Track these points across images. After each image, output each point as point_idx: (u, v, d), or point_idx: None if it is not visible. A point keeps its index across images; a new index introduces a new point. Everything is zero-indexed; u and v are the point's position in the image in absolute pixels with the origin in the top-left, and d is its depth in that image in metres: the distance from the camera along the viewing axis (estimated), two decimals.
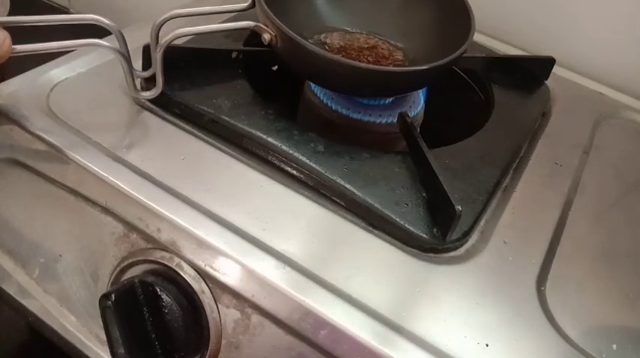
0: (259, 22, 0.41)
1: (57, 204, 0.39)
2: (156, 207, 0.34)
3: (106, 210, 0.36)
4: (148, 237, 0.35)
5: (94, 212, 0.37)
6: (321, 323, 0.31)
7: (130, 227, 0.36)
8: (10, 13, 0.48)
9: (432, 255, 0.36)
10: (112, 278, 0.37)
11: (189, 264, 0.34)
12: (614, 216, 0.42)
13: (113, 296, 0.32)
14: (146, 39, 0.41)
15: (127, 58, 0.39)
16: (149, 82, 0.42)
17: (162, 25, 0.40)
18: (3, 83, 0.41)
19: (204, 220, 0.34)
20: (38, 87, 0.42)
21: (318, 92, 0.47)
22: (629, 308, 0.36)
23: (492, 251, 0.37)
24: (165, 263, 0.34)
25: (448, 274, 0.35)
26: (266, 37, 0.40)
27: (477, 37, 0.53)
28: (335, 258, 0.34)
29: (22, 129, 0.39)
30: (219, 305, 0.34)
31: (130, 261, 0.36)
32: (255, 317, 0.33)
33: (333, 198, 0.38)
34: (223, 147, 0.40)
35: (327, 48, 0.48)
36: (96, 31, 0.41)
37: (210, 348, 0.34)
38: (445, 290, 0.34)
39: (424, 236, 0.36)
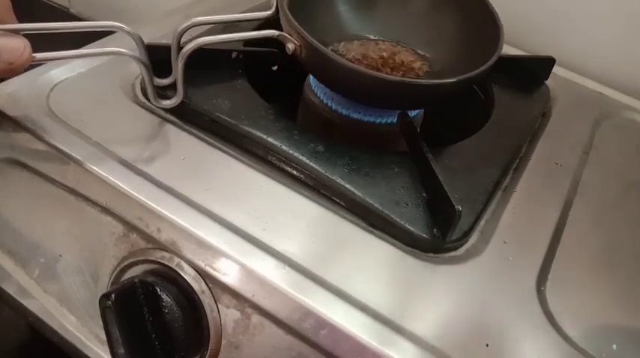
0: (283, 31, 0.41)
1: (57, 204, 0.39)
2: (156, 207, 0.34)
3: (106, 210, 0.36)
4: (148, 237, 0.35)
5: (94, 212, 0.37)
6: (321, 323, 0.31)
7: (130, 227, 0.36)
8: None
9: (431, 254, 0.36)
10: (112, 278, 0.37)
11: (189, 264, 0.34)
12: (614, 216, 0.42)
13: (113, 296, 0.32)
14: (146, 38, 0.41)
15: (148, 66, 0.39)
16: (162, 89, 0.41)
17: (184, 32, 0.40)
18: (3, 83, 0.41)
19: (205, 220, 0.34)
20: (38, 87, 0.42)
21: (318, 92, 0.47)
22: (629, 308, 0.36)
23: (492, 251, 0.37)
24: (166, 263, 0.34)
25: (448, 274, 0.35)
26: (290, 46, 0.40)
27: None
28: (335, 258, 0.34)
29: (22, 129, 0.39)
30: (219, 305, 0.34)
31: (130, 261, 0.36)
32: (255, 317, 0.33)
33: (333, 198, 0.38)
34: (223, 147, 0.40)
35: (350, 57, 0.48)
36: (96, 34, 0.41)
37: (210, 348, 0.34)
38: (445, 290, 0.34)
39: (424, 236, 0.36)
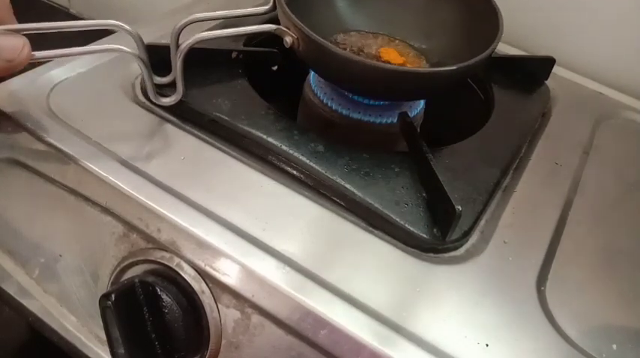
0: (280, 25, 0.41)
1: (57, 204, 0.39)
2: (156, 207, 0.34)
3: (106, 210, 0.36)
4: (148, 237, 0.35)
5: (94, 212, 0.37)
6: (321, 323, 0.31)
7: (130, 227, 0.36)
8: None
9: (432, 254, 0.36)
10: (112, 279, 0.37)
11: (189, 264, 0.34)
12: (615, 216, 0.42)
13: (113, 296, 0.32)
14: (146, 38, 0.41)
15: (148, 64, 0.39)
16: (162, 87, 0.41)
17: (182, 29, 0.40)
18: (3, 83, 0.41)
19: (204, 220, 0.34)
20: (38, 87, 0.42)
21: (318, 92, 0.47)
22: (629, 308, 0.36)
23: (492, 251, 0.37)
24: (166, 263, 0.34)
25: (448, 274, 0.35)
26: (288, 40, 0.40)
27: None
28: (335, 258, 0.34)
29: (22, 129, 0.39)
30: (219, 305, 0.34)
31: (130, 261, 0.36)
32: (255, 317, 0.33)
33: (333, 198, 0.38)
34: (223, 147, 0.40)
35: (349, 50, 0.48)
36: (96, 34, 0.41)
37: (210, 348, 0.34)
38: (445, 290, 0.34)
39: (424, 236, 0.36)
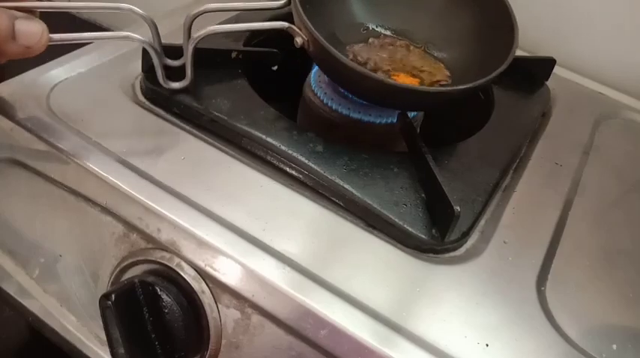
0: (294, 23, 0.41)
1: (57, 204, 0.39)
2: (156, 207, 0.34)
3: (106, 210, 0.36)
4: (148, 237, 0.35)
5: (94, 212, 0.37)
6: (321, 323, 0.31)
7: (130, 227, 0.36)
8: None
9: (431, 255, 0.36)
10: (112, 279, 0.37)
11: (189, 264, 0.34)
12: (615, 216, 0.42)
13: (113, 296, 0.32)
14: (146, 35, 0.41)
15: (159, 51, 0.39)
16: (170, 75, 0.42)
17: (195, 18, 0.40)
18: (3, 83, 0.41)
19: (204, 220, 0.34)
20: (38, 87, 0.42)
21: (318, 92, 0.47)
22: (629, 308, 0.36)
23: (492, 251, 0.37)
24: (166, 263, 0.34)
25: (448, 274, 0.35)
26: (298, 40, 0.40)
27: None
28: (334, 258, 0.34)
29: (23, 128, 0.39)
30: (220, 305, 0.34)
31: (130, 261, 0.36)
32: (256, 317, 0.33)
33: (332, 198, 0.38)
34: (223, 147, 0.40)
35: (361, 58, 0.48)
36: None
37: (210, 348, 0.34)
38: (445, 290, 0.34)
39: (423, 236, 0.36)
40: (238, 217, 0.35)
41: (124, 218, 0.36)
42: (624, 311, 0.36)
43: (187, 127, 0.41)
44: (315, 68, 0.48)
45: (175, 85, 0.41)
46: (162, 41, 0.40)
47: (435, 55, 0.50)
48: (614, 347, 0.33)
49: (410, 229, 0.36)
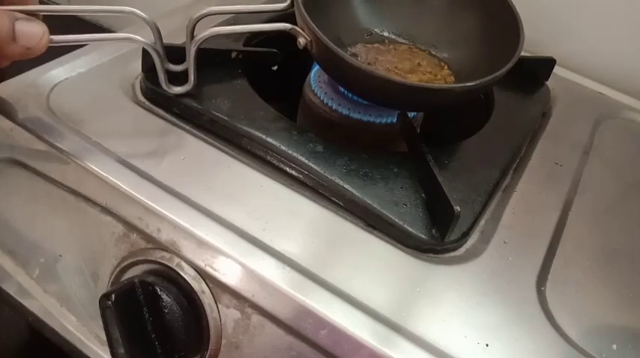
0: (297, 24, 0.40)
1: (57, 204, 0.39)
2: (156, 207, 0.34)
3: (106, 210, 0.36)
4: (148, 237, 0.35)
5: (94, 212, 0.37)
6: (322, 323, 0.31)
7: (130, 227, 0.36)
8: None
9: (431, 255, 0.36)
10: (112, 279, 0.37)
11: (189, 264, 0.34)
12: (615, 216, 0.42)
13: (113, 296, 0.32)
14: (147, 36, 0.41)
15: (161, 54, 0.39)
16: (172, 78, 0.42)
17: (198, 21, 0.40)
18: (3, 83, 0.41)
19: (205, 220, 0.34)
20: (38, 87, 0.42)
21: (318, 92, 0.47)
22: (629, 308, 0.36)
23: (492, 251, 0.37)
24: (166, 263, 0.34)
25: (448, 274, 0.35)
26: (301, 41, 0.40)
27: None
28: (334, 258, 0.34)
29: (22, 128, 0.39)
30: (220, 305, 0.34)
31: (130, 261, 0.36)
32: (256, 317, 0.33)
33: (332, 198, 0.38)
34: (223, 147, 0.40)
35: (365, 57, 0.48)
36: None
37: (210, 348, 0.34)
38: (445, 290, 0.34)
39: (423, 236, 0.36)
40: (238, 217, 0.35)
41: (124, 218, 0.36)
42: (624, 311, 0.36)
43: (187, 127, 0.41)
44: (316, 68, 0.48)
45: (178, 89, 0.41)
46: (164, 41, 0.40)
47: (440, 57, 0.50)
48: (614, 347, 0.33)
49: (410, 229, 0.36)
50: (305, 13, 0.39)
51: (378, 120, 0.46)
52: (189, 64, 0.40)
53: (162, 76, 0.40)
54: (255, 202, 0.36)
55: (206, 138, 0.41)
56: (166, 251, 0.34)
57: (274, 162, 0.39)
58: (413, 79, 0.46)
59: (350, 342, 0.30)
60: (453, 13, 0.49)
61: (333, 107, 0.46)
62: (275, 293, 0.32)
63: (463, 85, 0.40)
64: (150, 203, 0.34)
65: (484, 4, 0.47)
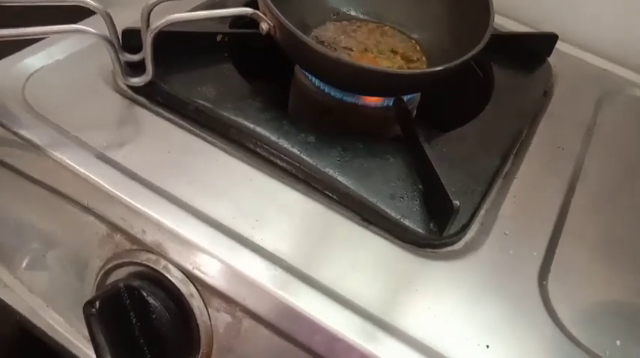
0: (259, 9, 0.38)
1: (38, 203, 0.38)
2: (140, 207, 0.33)
3: (88, 210, 0.35)
4: (132, 238, 0.34)
5: (76, 211, 0.35)
6: (315, 327, 0.29)
7: (114, 227, 0.34)
8: None
9: (429, 250, 0.34)
10: (97, 280, 0.35)
11: (176, 267, 0.32)
12: (618, 203, 0.41)
13: (97, 303, 0.30)
14: (128, 22, 0.38)
15: (115, 44, 0.37)
16: (135, 69, 0.39)
17: (152, 8, 0.38)
18: None
19: (191, 220, 0.32)
20: (12, 77, 0.40)
21: (310, 75, 0.45)
22: (632, 302, 0.35)
23: (492, 243, 0.35)
24: (152, 265, 0.33)
25: (447, 270, 0.33)
26: (264, 26, 0.38)
27: None
28: (328, 256, 0.33)
29: None
30: (210, 309, 0.32)
31: (115, 262, 0.34)
32: (247, 321, 0.32)
33: (326, 191, 0.36)
34: (210, 139, 0.38)
35: (333, 41, 0.46)
36: (77, 10, 0.39)
37: (201, 352, 0.33)
38: (444, 288, 0.32)
39: (420, 231, 0.34)
40: (227, 215, 0.33)
41: (107, 218, 0.34)
42: (628, 306, 0.35)
43: (172, 117, 0.39)
44: None
45: (136, 80, 0.39)
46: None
47: (411, 36, 0.48)
48: (618, 343, 0.32)
49: (407, 223, 0.34)
50: None
51: (372, 104, 0.44)
52: (147, 53, 0.37)
53: (117, 68, 0.38)
54: (244, 198, 0.35)
55: (192, 128, 0.39)
56: (152, 253, 0.33)
57: (264, 154, 0.37)
58: (385, 61, 0.44)
59: (344, 346, 0.29)
60: None
61: (326, 90, 0.44)
62: (266, 297, 0.30)
63: (431, 69, 0.38)
64: (133, 203, 0.33)
65: None
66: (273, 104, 0.40)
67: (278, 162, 0.37)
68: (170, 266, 0.32)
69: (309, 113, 0.46)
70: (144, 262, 0.33)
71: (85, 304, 0.31)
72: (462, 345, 0.30)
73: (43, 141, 0.36)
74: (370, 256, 0.33)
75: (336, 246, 0.33)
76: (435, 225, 0.34)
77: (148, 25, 0.37)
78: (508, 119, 0.43)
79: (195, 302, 0.32)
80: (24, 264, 0.40)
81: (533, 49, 0.50)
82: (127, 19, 0.40)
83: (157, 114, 0.39)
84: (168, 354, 0.33)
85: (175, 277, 0.32)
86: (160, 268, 0.32)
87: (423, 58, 0.46)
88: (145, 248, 0.33)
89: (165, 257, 0.33)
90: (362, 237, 0.34)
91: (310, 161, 0.36)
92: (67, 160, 0.35)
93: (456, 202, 0.32)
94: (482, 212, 0.37)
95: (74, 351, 0.40)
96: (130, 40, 0.38)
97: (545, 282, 0.34)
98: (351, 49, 0.46)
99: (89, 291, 0.36)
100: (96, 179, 0.34)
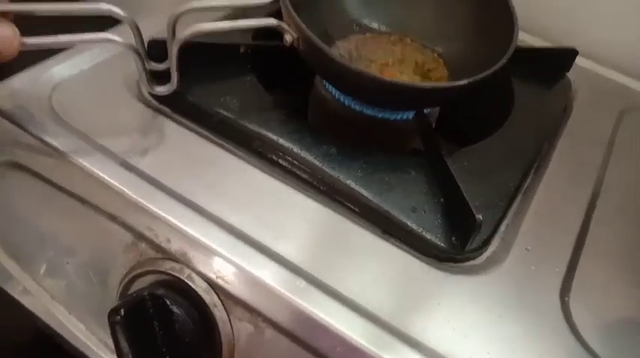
0: (283, 20, 0.39)
1: (62, 210, 0.38)
2: (166, 217, 0.33)
3: (114, 218, 0.35)
4: (157, 247, 0.34)
5: (102, 220, 0.36)
6: (338, 340, 0.30)
7: (139, 236, 0.35)
8: None
9: (450, 264, 0.34)
10: (120, 288, 0.36)
11: (200, 276, 0.33)
12: (639, 219, 0.41)
13: (122, 310, 0.31)
14: (152, 31, 0.39)
15: (142, 54, 0.37)
16: (160, 78, 0.40)
17: (178, 17, 0.38)
18: (3, 82, 0.40)
19: (216, 230, 0.33)
20: (40, 86, 0.40)
21: (329, 87, 0.45)
22: None
23: (514, 259, 0.35)
24: (176, 274, 0.33)
25: (468, 285, 0.33)
26: (288, 38, 0.38)
27: None
28: (350, 269, 0.33)
29: (24, 131, 0.37)
30: (232, 319, 0.33)
31: (139, 271, 0.34)
32: (270, 332, 0.32)
33: (347, 204, 0.36)
34: (234, 150, 0.38)
35: (355, 54, 0.46)
36: (103, 19, 0.39)
37: None
38: (465, 302, 0.32)
39: (442, 245, 0.34)
40: (250, 226, 0.33)
41: (133, 227, 0.34)
42: None
43: (196, 128, 0.39)
44: None
45: (161, 89, 0.39)
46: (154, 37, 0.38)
47: (433, 49, 0.48)
48: None
49: (428, 237, 0.34)
50: (290, 7, 0.37)
51: (392, 117, 0.44)
52: (172, 62, 0.37)
53: (143, 77, 0.38)
54: (267, 208, 0.35)
55: (215, 139, 0.39)
56: (176, 262, 0.33)
57: (287, 165, 0.38)
58: (408, 76, 0.45)
59: None
60: (446, 7, 0.48)
61: (346, 103, 0.44)
62: (289, 307, 0.31)
63: (455, 83, 0.38)
64: (159, 212, 0.33)
65: None
66: (294, 116, 0.40)
67: (300, 173, 0.37)
68: (194, 275, 0.33)
69: (329, 125, 0.46)
70: (168, 271, 0.33)
71: (110, 311, 0.31)
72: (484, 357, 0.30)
73: (68, 148, 0.36)
74: (391, 269, 0.33)
75: (358, 258, 0.33)
76: (456, 239, 0.34)
77: (173, 35, 0.38)
78: (528, 134, 0.44)
79: (218, 312, 0.32)
80: (47, 271, 0.40)
81: (552, 64, 0.50)
82: (149, 27, 0.40)
83: (181, 124, 0.40)
84: None
85: (199, 286, 0.33)
86: (184, 277, 0.33)
87: (445, 71, 0.46)
88: (170, 257, 0.33)
89: (189, 266, 0.33)
90: (383, 250, 0.34)
91: (332, 173, 0.36)
92: (93, 168, 0.35)
93: (479, 216, 0.32)
94: (503, 227, 0.37)
95: None
96: (156, 49, 0.38)
97: (567, 298, 0.34)
98: (373, 61, 0.46)
99: (112, 299, 0.36)
100: (121, 187, 0.34)
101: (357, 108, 0.44)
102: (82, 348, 0.40)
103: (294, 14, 0.37)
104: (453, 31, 0.47)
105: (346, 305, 0.31)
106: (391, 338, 0.30)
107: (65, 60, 0.42)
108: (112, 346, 0.33)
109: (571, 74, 0.51)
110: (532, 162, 0.42)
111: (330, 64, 0.37)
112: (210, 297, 0.32)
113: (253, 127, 0.38)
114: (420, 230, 0.35)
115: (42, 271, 0.41)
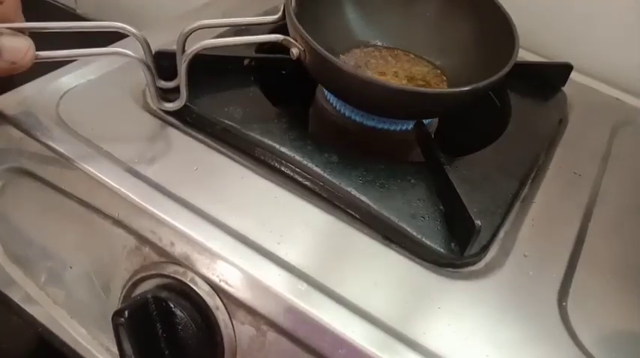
0: (289, 35, 0.40)
1: (67, 215, 0.39)
2: (169, 220, 0.34)
3: (118, 223, 0.36)
4: (160, 251, 0.34)
5: (106, 224, 0.36)
6: (340, 342, 0.30)
7: (143, 240, 0.35)
8: None
9: (450, 269, 0.35)
10: (124, 292, 0.36)
11: (203, 279, 0.33)
12: (636, 227, 0.41)
13: (126, 313, 0.31)
14: (156, 43, 0.40)
15: (152, 69, 0.38)
16: (168, 92, 0.41)
17: (188, 35, 0.39)
18: (12, 91, 0.41)
19: (219, 233, 0.33)
20: (48, 95, 0.41)
21: (330, 98, 0.46)
22: None
23: (512, 265, 0.36)
24: (179, 277, 0.33)
25: (467, 290, 0.34)
26: (294, 51, 0.39)
27: None
28: (351, 273, 0.33)
29: (32, 138, 0.38)
30: (234, 322, 0.33)
31: (143, 274, 0.35)
32: (271, 335, 0.32)
33: (348, 210, 0.37)
34: (236, 157, 0.39)
35: (359, 67, 0.47)
36: (106, 39, 0.41)
37: None
38: (464, 306, 0.33)
39: (441, 250, 0.35)
40: (253, 230, 0.34)
41: (136, 231, 0.35)
42: None
43: (200, 136, 0.40)
44: None
45: (169, 105, 0.40)
46: (171, 47, 0.39)
47: (435, 64, 0.49)
48: None
49: (428, 243, 0.35)
50: (296, 21, 0.38)
51: (392, 128, 0.45)
52: (181, 79, 0.39)
53: (152, 92, 0.39)
54: (269, 214, 0.35)
55: (219, 147, 0.40)
56: (180, 265, 0.34)
57: (289, 172, 0.38)
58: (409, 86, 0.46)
59: None
60: (447, 21, 0.49)
61: (346, 114, 0.45)
62: (291, 311, 0.31)
63: (458, 89, 0.39)
64: (163, 216, 0.34)
65: (476, 13, 0.47)
66: (296, 125, 0.41)
67: (302, 180, 0.38)
68: (197, 278, 0.33)
69: (330, 135, 0.47)
70: (171, 274, 0.34)
71: (113, 313, 0.31)
72: None
73: (74, 154, 0.37)
74: (392, 274, 0.34)
75: (358, 263, 0.34)
76: (456, 245, 0.35)
77: (183, 51, 0.39)
78: (525, 145, 0.44)
79: (221, 315, 0.33)
80: (50, 276, 0.41)
81: (548, 79, 0.52)
82: (153, 42, 0.41)
83: (186, 133, 0.41)
84: None
85: (202, 289, 0.33)
86: (187, 280, 0.33)
87: (445, 85, 0.47)
88: (173, 260, 0.34)
89: (192, 269, 0.33)
90: (384, 255, 0.35)
91: (333, 180, 0.37)
92: (98, 173, 0.36)
93: (478, 222, 0.33)
94: (501, 234, 0.38)
95: None
96: (163, 60, 0.39)
97: (564, 303, 0.34)
98: (376, 74, 0.47)
99: (115, 303, 0.37)
100: (127, 193, 0.35)
101: (358, 119, 0.45)
102: (82, 353, 0.40)
103: (300, 28, 0.38)
104: (454, 46, 0.48)
105: (348, 308, 0.31)
106: (392, 340, 0.30)
107: (73, 70, 0.44)
108: (114, 351, 0.34)
109: (566, 88, 0.52)
110: (529, 171, 0.43)
111: (338, 73, 0.38)
112: (212, 300, 0.33)
113: (256, 135, 0.39)
114: (420, 236, 0.35)
115: (45, 276, 0.41)
